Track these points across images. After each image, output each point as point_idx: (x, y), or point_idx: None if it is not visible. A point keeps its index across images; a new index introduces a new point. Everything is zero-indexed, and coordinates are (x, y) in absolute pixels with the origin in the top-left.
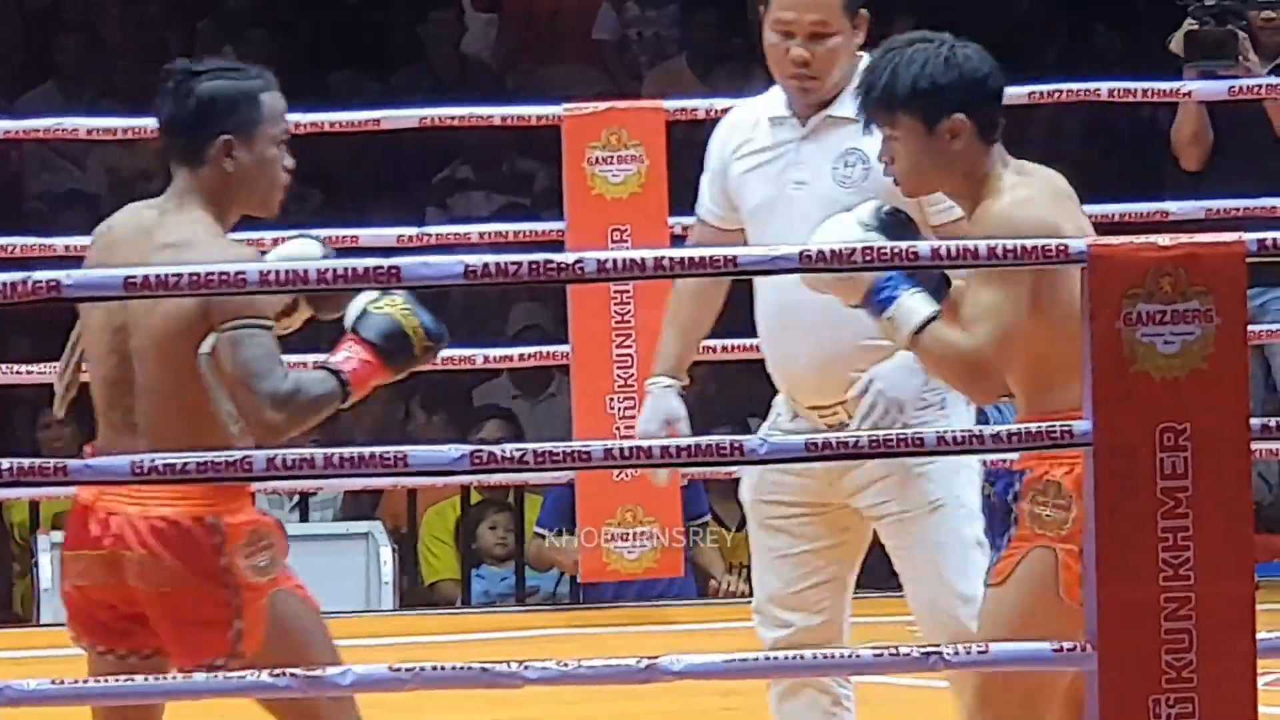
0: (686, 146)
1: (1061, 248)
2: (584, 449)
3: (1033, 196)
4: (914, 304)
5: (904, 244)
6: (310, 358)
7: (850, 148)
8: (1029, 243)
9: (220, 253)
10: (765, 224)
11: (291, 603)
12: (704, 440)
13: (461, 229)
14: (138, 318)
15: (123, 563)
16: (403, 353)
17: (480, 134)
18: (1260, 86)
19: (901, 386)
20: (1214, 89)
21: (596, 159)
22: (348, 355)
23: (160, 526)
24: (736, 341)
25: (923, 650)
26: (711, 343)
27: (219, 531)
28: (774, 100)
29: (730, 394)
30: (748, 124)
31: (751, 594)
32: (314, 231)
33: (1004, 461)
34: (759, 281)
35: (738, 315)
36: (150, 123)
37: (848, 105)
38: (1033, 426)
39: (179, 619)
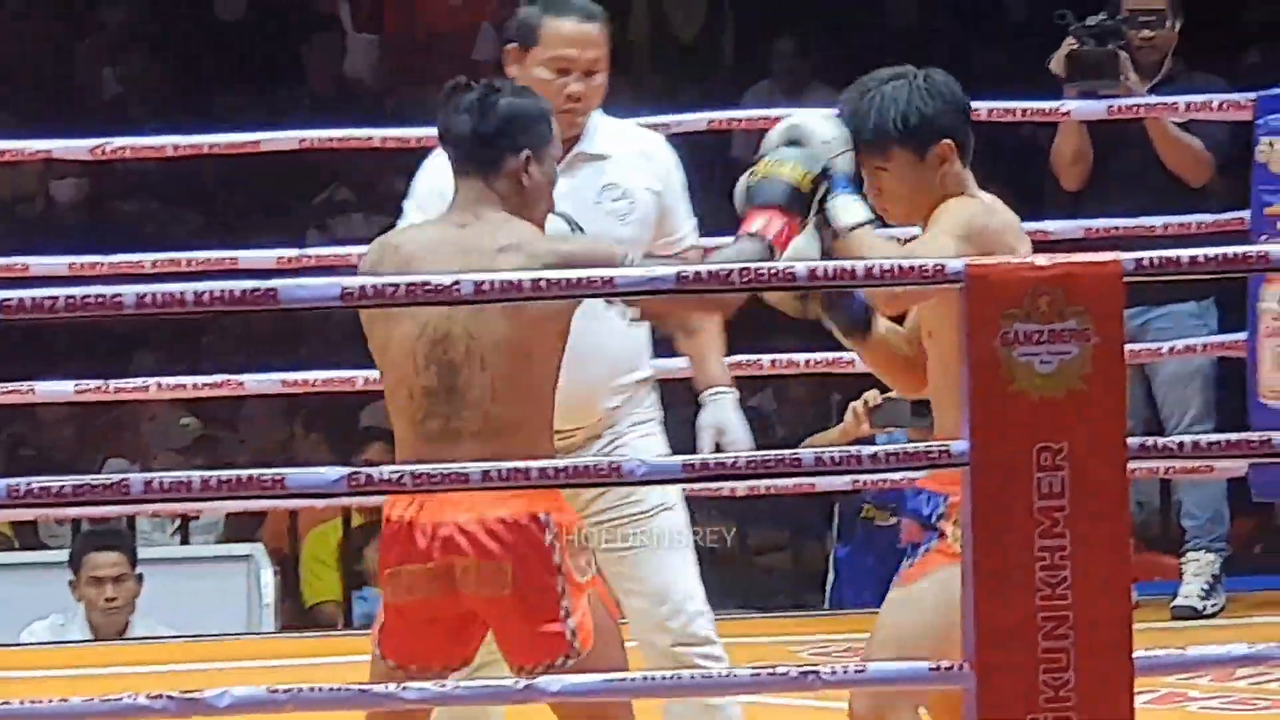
0: None
1: (939, 267)
2: (462, 471)
3: (995, 205)
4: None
5: (781, 264)
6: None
7: (608, 183)
8: (906, 262)
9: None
10: None
11: (598, 604)
12: (582, 461)
13: (341, 251)
14: (470, 325)
15: (454, 573)
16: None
17: (362, 156)
18: (1140, 106)
19: (743, 431)
20: (1094, 109)
21: None
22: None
23: (497, 529)
24: None
25: (801, 670)
26: None
27: (551, 528)
28: None
29: None
30: None
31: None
32: (194, 254)
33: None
34: None
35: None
36: (32, 145)
37: (596, 142)
38: (910, 447)
39: (521, 621)
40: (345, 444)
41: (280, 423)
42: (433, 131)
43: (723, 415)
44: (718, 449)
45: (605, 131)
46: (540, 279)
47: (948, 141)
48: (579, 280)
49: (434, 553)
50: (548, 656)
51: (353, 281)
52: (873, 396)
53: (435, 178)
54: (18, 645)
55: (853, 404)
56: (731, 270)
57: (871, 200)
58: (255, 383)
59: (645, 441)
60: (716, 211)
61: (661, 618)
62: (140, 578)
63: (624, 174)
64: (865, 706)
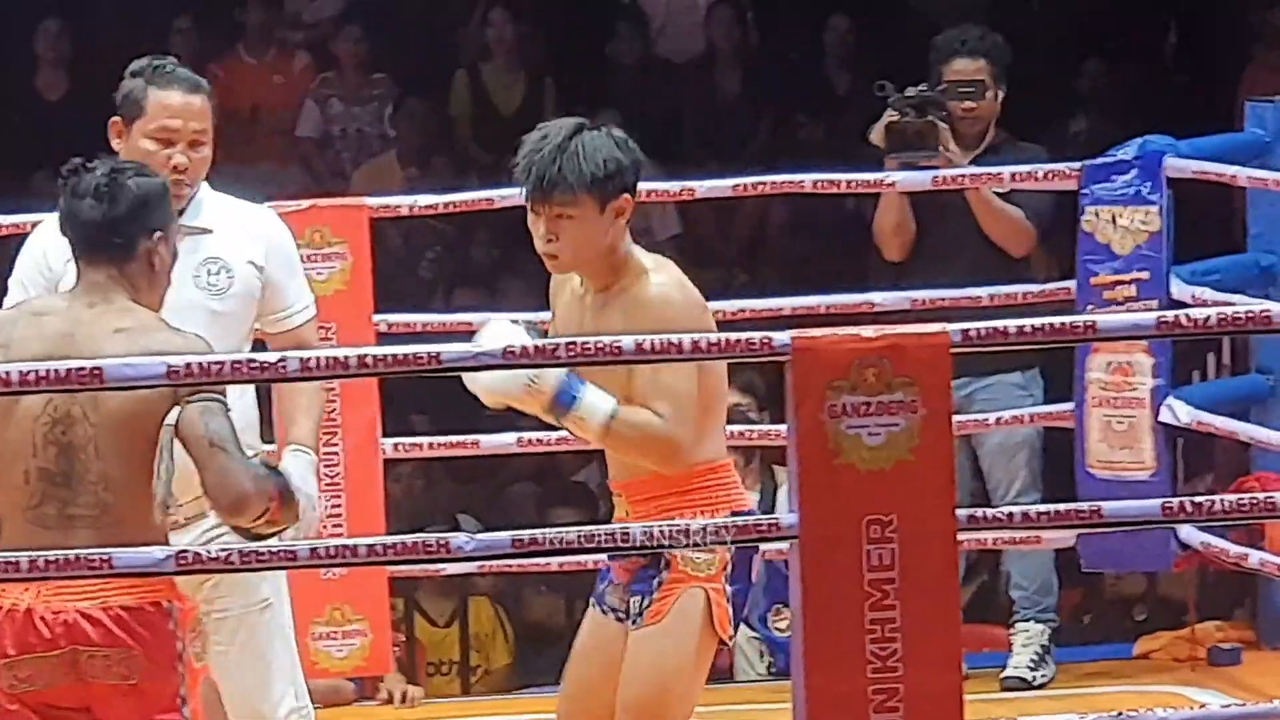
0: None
1: (765, 341)
2: (290, 549)
3: (682, 277)
4: (596, 399)
5: (608, 339)
6: None
7: (209, 257)
8: (732, 336)
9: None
10: None
11: (208, 690)
12: (410, 538)
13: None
14: (87, 406)
15: (79, 660)
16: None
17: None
18: (962, 177)
19: (314, 485)
20: (917, 180)
21: (301, 257)
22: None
23: (123, 616)
24: (445, 439)
25: None
26: (420, 440)
27: (175, 616)
28: None
29: (440, 490)
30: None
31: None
32: None
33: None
34: None
35: (449, 413)
36: None
37: (200, 215)
38: (739, 520)
39: (141, 710)
40: None
41: None
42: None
43: (297, 466)
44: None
45: (210, 205)
46: (366, 355)
47: (628, 195)
48: (406, 357)
49: (59, 640)
50: None
51: (177, 360)
52: None
53: (42, 258)
54: None
55: None
56: (559, 345)
57: (543, 248)
58: None
59: None
60: (537, 285)
61: (262, 714)
62: None
63: (226, 248)
64: None
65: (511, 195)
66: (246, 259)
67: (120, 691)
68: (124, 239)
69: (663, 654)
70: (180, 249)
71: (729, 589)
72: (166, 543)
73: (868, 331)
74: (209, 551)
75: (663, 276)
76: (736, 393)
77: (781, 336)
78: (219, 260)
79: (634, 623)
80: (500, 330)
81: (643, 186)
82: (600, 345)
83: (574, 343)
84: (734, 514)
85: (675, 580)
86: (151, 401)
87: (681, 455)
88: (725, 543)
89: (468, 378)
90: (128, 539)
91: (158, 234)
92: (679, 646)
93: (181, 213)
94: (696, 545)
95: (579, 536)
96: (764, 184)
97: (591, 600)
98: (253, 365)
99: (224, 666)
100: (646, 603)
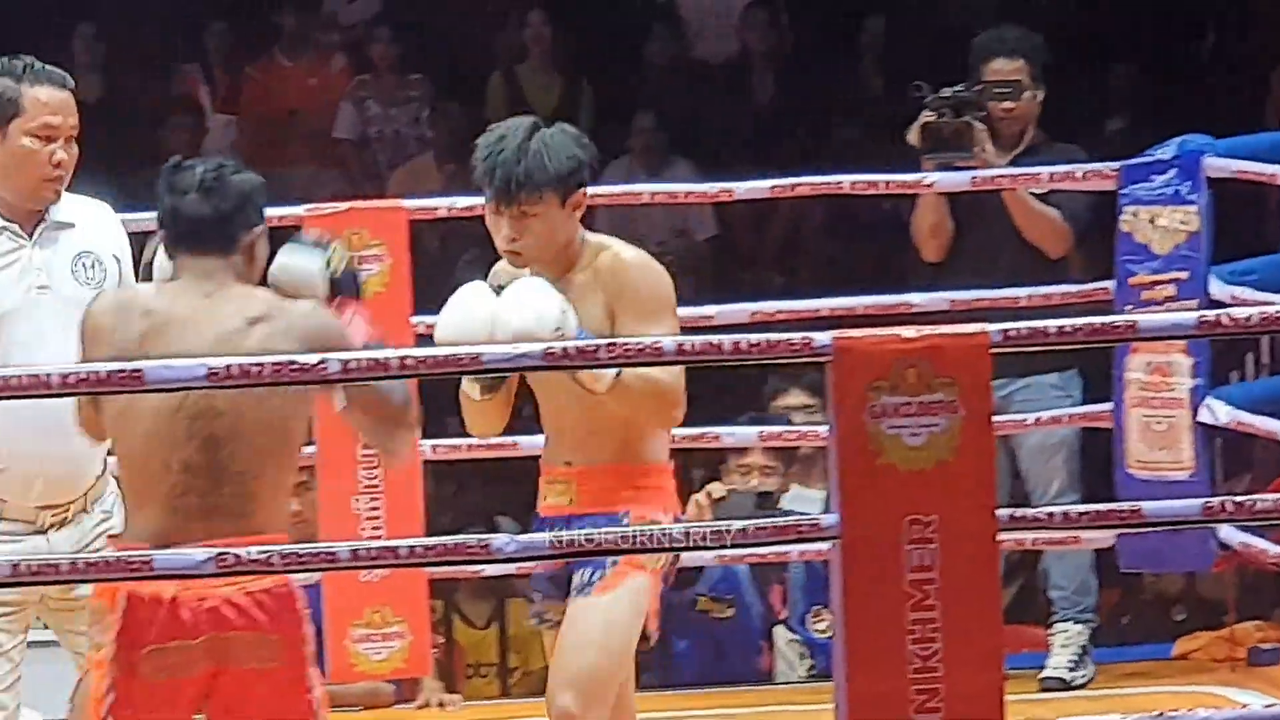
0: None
1: (806, 341)
2: (330, 550)
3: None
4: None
5: (648, 340)
6: None
7: (81, 250)
8: (773, 337)
9: None
10: (16, 327)
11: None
12: (450, 540)
13: None
14: (233, 399)
15: (225, 647)
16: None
17: None
18: (1000, 177)
19: None
20: (955, 180)
21: None
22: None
23: (264, 600)
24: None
25: None
26: (458, 441)
27: (301, 598)
28: None
29: (478, 492)
30: None
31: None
32: None
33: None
34: None
35: None
36: None
37: (62, 210)
38: (780, 520)
39: (282, 694)
40: None
41: None
42: (295, 210)
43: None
44: None
45: (66, 200)
46: (407, 356)
47: (584, 190)
48: (448, 358)
49: (202, 628)
50: None
51: (218, 361)
52: (716, 489)
53: None
54: None
55: (695, 496)
56: (599, 346)
57: (506, 246)
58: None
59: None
60: None
61: None
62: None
63: (92, 241)
64: None
65: None
66: (111, 252)
67: (258, 674)
68: (230, 233)
69: (611, 624)
70: (55, 244)
71: (662, 588)
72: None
73: (908, 332)
74: (249, 553)
75: (629, 249)
76: (805, 393)
77: (822, 337)
78: (91, 254)
79: (581, 592)
80: (469, 294)
81: (680, 187)
82: (642, 346)
83: (614, 343)
84: (676, 519)
85: (628, 563)
86: (301, 394)
87: (678, 409)
88: (766, 544)
89: (496, 326)
90: (269, 529)
91: (258, 228)
92: (624, 620)
93: (43, 212)
94: (735, 546)
95: (618, 537)
96: (802, 185)
97: (536, 623)
98: (294, 367)
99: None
100: (598, 575)
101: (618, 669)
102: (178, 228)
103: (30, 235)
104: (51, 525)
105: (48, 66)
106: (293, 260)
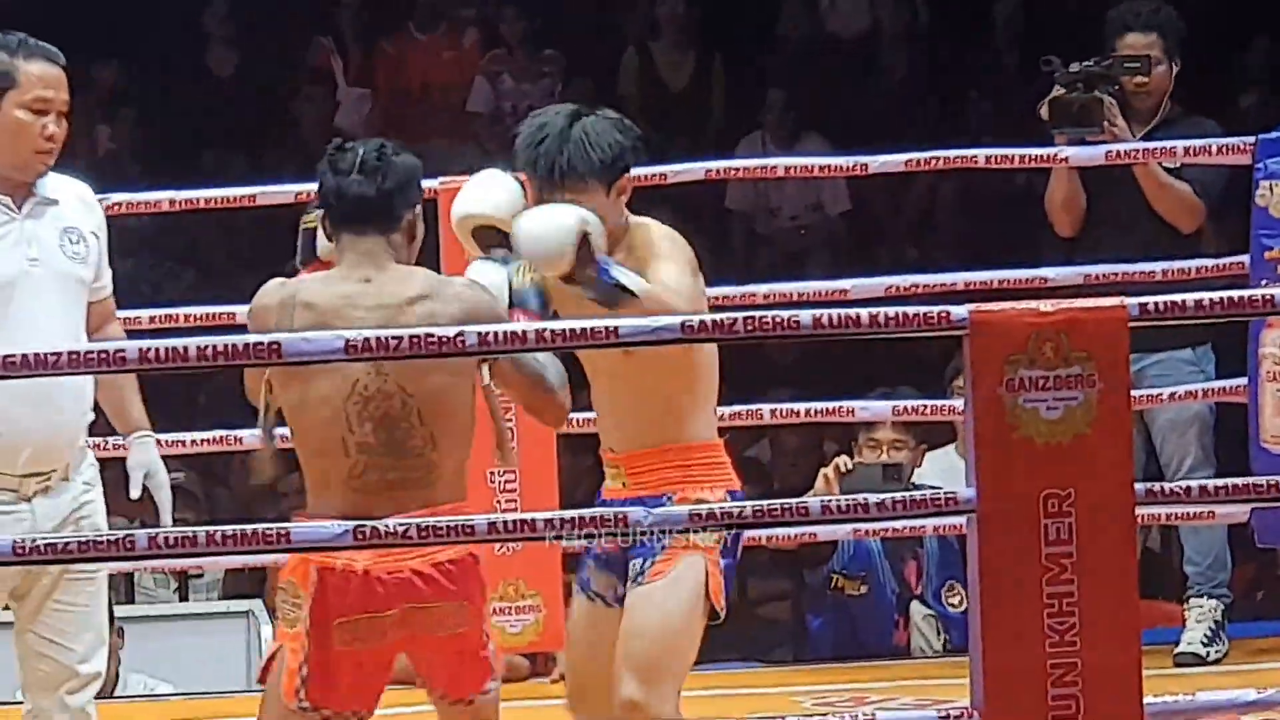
0: None
1: (943, 314)
2: (468, 523)
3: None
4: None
5: (786, 314)
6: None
7: (67, 226)
8: (910, 310)
9: None
10: (13, 297)
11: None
12: (586, 513)
13: None
14: (402, 380)
15: (415, 616)
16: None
17: None
18: (1134, 151)
19: (164, 471)
20: (1088, 154)
21: None
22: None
23: (451, 570)
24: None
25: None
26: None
27: (480, 563)
28: None
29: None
30: None
31: None
32: (191, 309)
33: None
34: None
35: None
36: None
37: (46, 187)
38: (917, 494)
39: (460, 654)
40: None
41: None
42: (429, 183)
43: (149, 456)
44: (145, 491)
45: (49, 177)
46: (546, 330)
47: (628, 174)
48: (583, 331)
49: (394, 600)
50: (482, 684)
51: (355, 334)
52: (843, 462)
53: None
54: (15, 704)
55: (823, 469)
56: (737, 320)
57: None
58: (254, 438)
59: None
60: (709, 259)
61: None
62: (121, 630)
63: (76, 218)
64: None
65: (682, 171)
66: (91, 229)
67: (446, 641)
68: (391, 212)
69: (667, 610)
70: (42, 220)
71: (723, 562)
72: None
73: (1045, 305)
74: (388, 525)
75: (660, 226)
76: None
77: (959, 311)
78: (76, 229)
79: (635, 581)
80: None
81: (814, 161)
82: (779, 320)
83: (752, 318)
84: (729, 494)
85: (677, 545)
86: (463, 370)
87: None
88: (903, 517)
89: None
90: (452, 499)
91: (418, 206)
92: (681, 604)
93: (30, 187)
94: (875, 520)
95: (753, 510)
96: (936, 159)
97: (576, 587)
98: (430, 340)
99: (57, 626)
100: (649, 563)
101: (681, 652)
102: (340, 207)
103: (20, 209)
104: (36, 493)
105: (40, 42)
106: (480, 274)
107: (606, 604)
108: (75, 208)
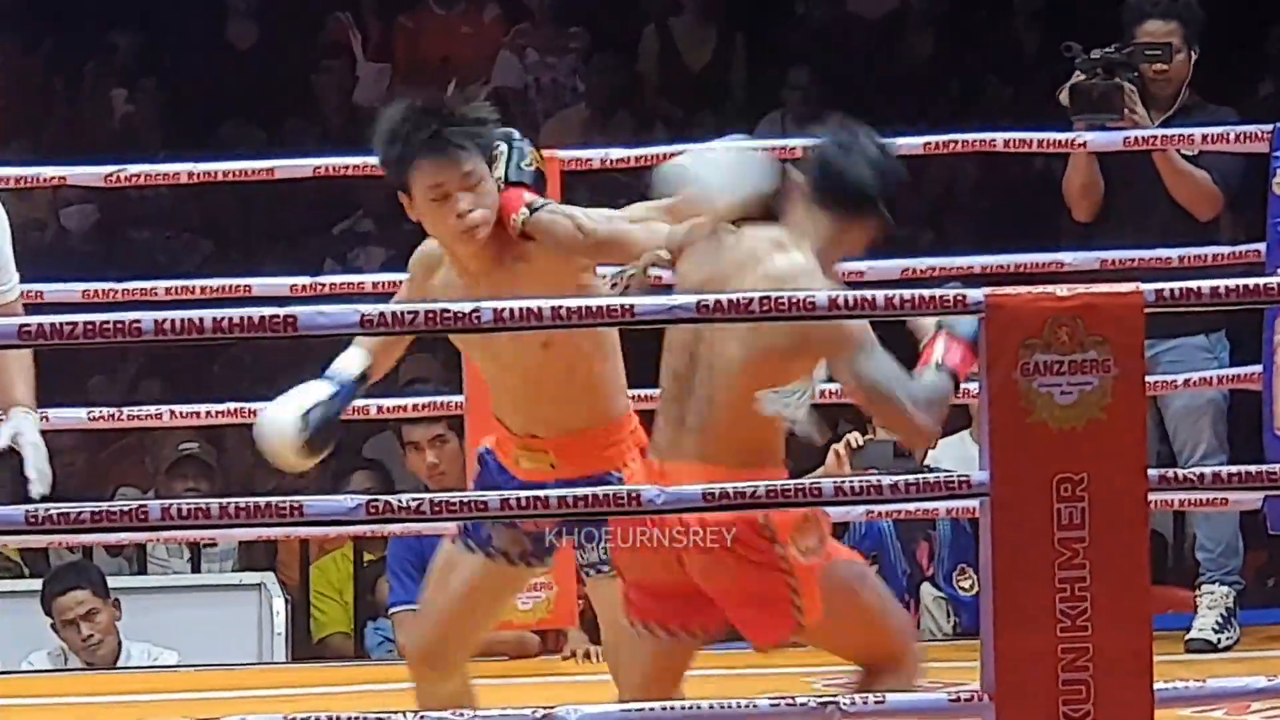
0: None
1: (959, 297)
2: (480, 499)
3: None
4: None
5: (801, 294)
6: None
7: None
8: (926, 293)
9: None
10: None
11: (839, 569)
12: (600, 491)
13: (354, 279)
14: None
15: (683, 559)
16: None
17: (379, 187)
18: (1152, 138)
19: (39, 437)
20: (1107, 140)
21: None
22: (946, 348)
23: (719, 531)
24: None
25: (820, 701)
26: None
27: (769, 527)
28: None
29: None
30: None
31: None
32: (207, 281)
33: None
34: None
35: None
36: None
37: None
38: (930, 477)
39: (747, 609)
40: (343, 473)
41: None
42: None
43: (22, 424)
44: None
45: None
46: (560, 306)
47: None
48: (597, 309)
49: (662, 541)
50: (779, 635)
51: (371, 309)
52: (855, 438)
53: None
54: (22, 673)
55: (834, 446)
56: (753, 299)
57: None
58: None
59: None
60: None
61: None
62: (117, 602)
63: None
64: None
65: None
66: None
67: (725, 594)
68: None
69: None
70: None
71: None
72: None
73: (1061, 290)
74: (400, 501)
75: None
76: None
77: (975, 294)
78: None
79: (600, 570)
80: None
81: None
82: (796, 300)
83: (768, 298)
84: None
85: None
86: (772, 350)
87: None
88: (916, 499)
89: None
90: (734, 459)
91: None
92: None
93: None
94: (888, 502)
95: (765, 490)
96: (954, 142)
97: (462, 542)
98: (446, 315)
99: None
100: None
101: None
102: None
103: None
104: None
105: None
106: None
107: (510, 562)
108: None
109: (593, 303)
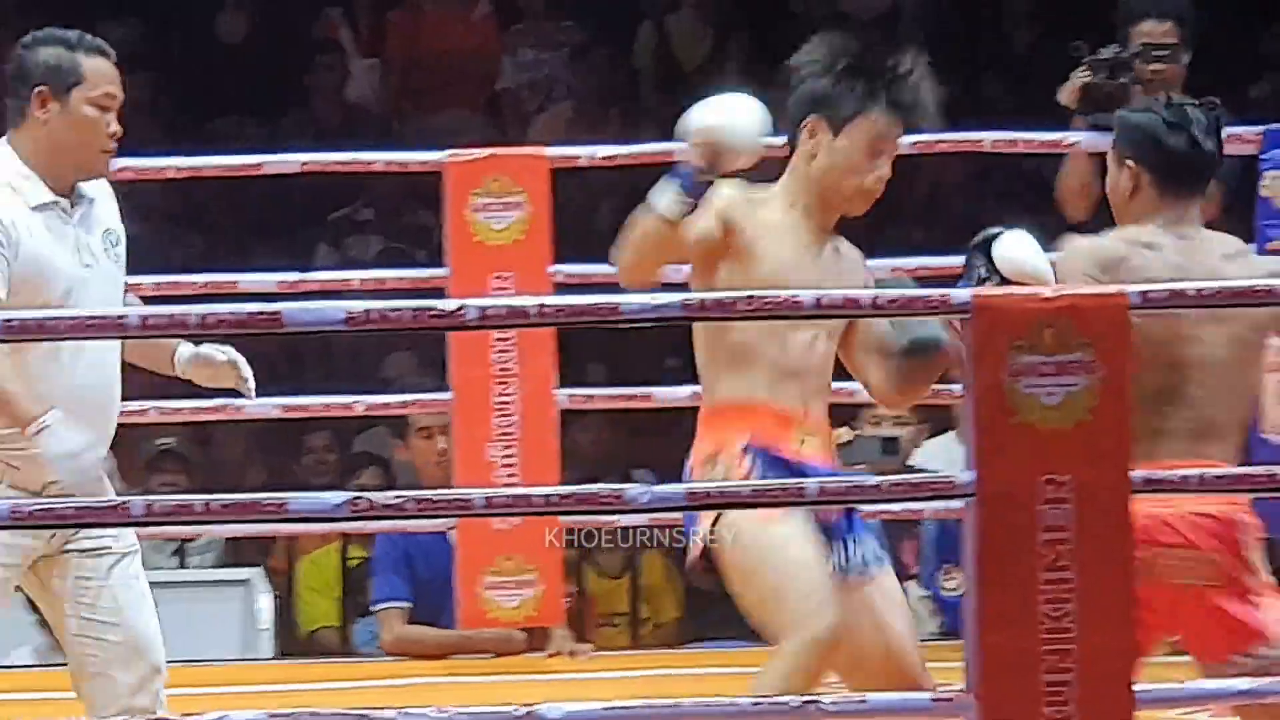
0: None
1: (944, 298)
2: (464, 497)
3: None
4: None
5: (789, 293)
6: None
7: (107, 228)
8: (912, 293)
9: None
10: (78, 303)
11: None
12: (584, 489)
13: (342, 275)
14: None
15: (1156, 561)
16: None
17: (377, 182)
18: None
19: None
20: (1097, 140)
21: (480, 206)
22: None
23: (1202, 522)
24: (619, 391)
25: (802, 700)
26: (594, 391)
27: (1247, 529)
28: (28, 181)
29: (617, 444)
30: (18, 205)
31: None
32: (196, 277)
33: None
34: None
35: (638, 364)
36: None
37: (88, 185)
38: (915, 477)
39: (1213, 615)
40: (341, 470)
41: (283, 446)
42: (436, 156)
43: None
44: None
45: None
46: (545, 304)
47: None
48: (582, 307)
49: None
50: (1236, 649)
51: (358, 306)
52: (843, 433)
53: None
54: (6, 668)
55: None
56: (738, 299)
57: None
58: (254, 407)
59: None
60: None
61: (142, 661)
62: None
63: (111, 218)
64: None
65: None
66: (120, 229)
67: (1196, 594)
68: (1209, 175)
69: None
70: (88, 221)
71: None
72: None
73: (1048, 291)
74: (384, 499)
75: None
76: None
77: (962, 294)
78: (114, 232)
79: (883, 564)
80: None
81: None
82: (781, 300)
83: (753, 298)
84: (748, 449)
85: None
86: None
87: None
88: (901, 499)
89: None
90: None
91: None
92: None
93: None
94: (874, 501)
95: (752, 491)
96: (944, 141)
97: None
98: (432, 313)
99: (103, 600)
100: (882, 543)
101: None
102: (1175, 167)
103: (72, 211)
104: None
105: (94, 37)
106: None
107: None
108: (108, 207)
109: (580, 301)
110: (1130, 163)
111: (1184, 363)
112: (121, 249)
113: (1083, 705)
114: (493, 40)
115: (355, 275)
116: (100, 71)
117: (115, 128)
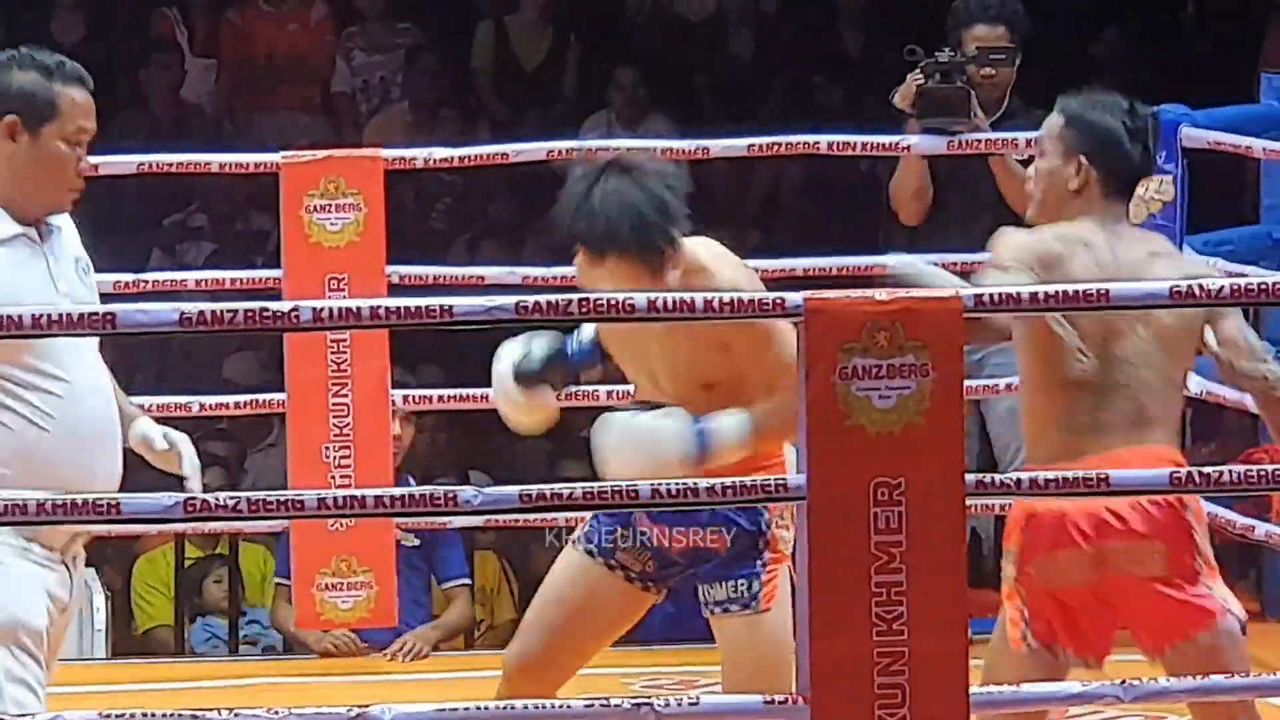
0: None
1: (778, 301)
2: (298, 498)
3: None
4: (726, 423)
5: (621, 295)
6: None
7: (76, 255)
8: (745, 296)
9: None
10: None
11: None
12: (418, 491)
13: (178, 276)
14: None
15: (1108, 555)
16: None
17: (211, 186)
18: (980, 141)
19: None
20: (932, 144)
21: (315, 207)
22: None
23: (1147, 509)
24: (454, 392)
25: (634, 702)
26: (429, 392)
27: (1195, 514)
28: None
29: (451, 445)
30: None
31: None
32: None
33: None
34: None
35: (473, 365)
36: None
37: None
38: (747, 480)
39: (1162, 603)
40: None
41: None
42: (271, 157)
43: (152, 426)
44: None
45: None
46: (379, 305)
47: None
48: (416, 309)
49: (1089, 537)
50: (1188, 627)
51: (191, 307)
52: None
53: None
54: None
55: None
56: (572, 301)
57: None
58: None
59: None
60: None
61: None
62: None
63: (77, 246)
64: None
65: (526, 150)
66: (85, 256)
67: (1144, 583)
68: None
69: (784, 643)
70: (59, 251)
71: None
72: None
73: (880, 294)
74: (218, 499)
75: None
76: None
77: (794, 297)
78: (82, 259)
79: (748, 605)
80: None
81: (656, 144)
82: (614, 301)
83: (586, 299)
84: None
85: (775, 560)
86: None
87: None
88: (735, 503)
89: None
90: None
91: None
92: (789, 630)
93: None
94: (705, 505)
95: (585, 492)
96: (779, 144)
97: (582, 547)
98: (265, 314)
99: None
100: (758, 586)
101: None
102: (1127, 173)
103: (41, 240)
104: (75, 555)
105: (74, 64)
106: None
107: (628, 578)
108: (73, 235)
109: (413, 303)
110: (1083, 159)
111: (1118, 356)
112: (92, 279)
113: (916, 709)
114: (329, 41)
115: (190, 276)
116: (76, 104)
117: (85, 164)
